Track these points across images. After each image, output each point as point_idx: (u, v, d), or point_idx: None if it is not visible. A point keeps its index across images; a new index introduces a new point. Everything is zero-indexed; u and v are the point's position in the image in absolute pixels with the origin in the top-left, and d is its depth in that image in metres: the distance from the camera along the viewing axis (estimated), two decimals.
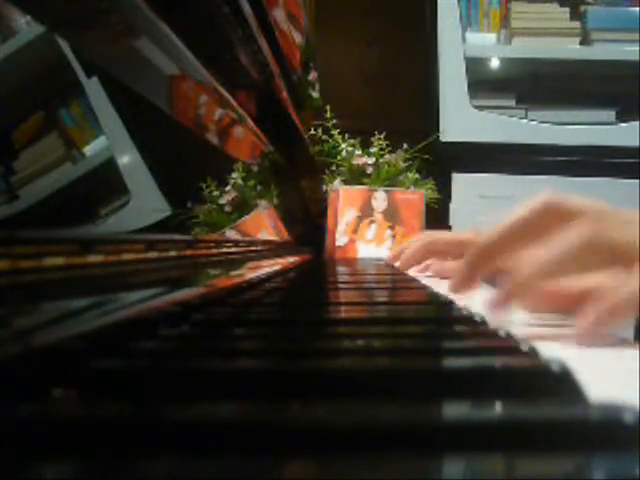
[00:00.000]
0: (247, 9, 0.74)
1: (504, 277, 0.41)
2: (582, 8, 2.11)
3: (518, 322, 0.42)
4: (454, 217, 1.94)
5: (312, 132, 1.66)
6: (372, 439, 0.16)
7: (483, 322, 0.37)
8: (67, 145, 0.45)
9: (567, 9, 2.12)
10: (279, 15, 1.04)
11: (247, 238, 0.93)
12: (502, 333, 0.31)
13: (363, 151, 1.68)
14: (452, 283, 0.48)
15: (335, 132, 1.69)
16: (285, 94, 1.04)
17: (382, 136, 1.68)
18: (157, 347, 0.30)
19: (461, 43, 2.02)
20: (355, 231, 1.52)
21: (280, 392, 0.22)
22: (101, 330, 0.28)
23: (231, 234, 0.84)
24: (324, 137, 1.69)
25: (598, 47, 2.07)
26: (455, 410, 0.19)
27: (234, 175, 0.88)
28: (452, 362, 0.26)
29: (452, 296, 0.48)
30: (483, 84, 2.09)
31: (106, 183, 0.49)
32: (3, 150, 0.38)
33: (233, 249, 0.81)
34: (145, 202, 0.54)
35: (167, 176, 0.59)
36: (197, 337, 0.34)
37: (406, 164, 1.69)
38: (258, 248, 0.97)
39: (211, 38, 0.68)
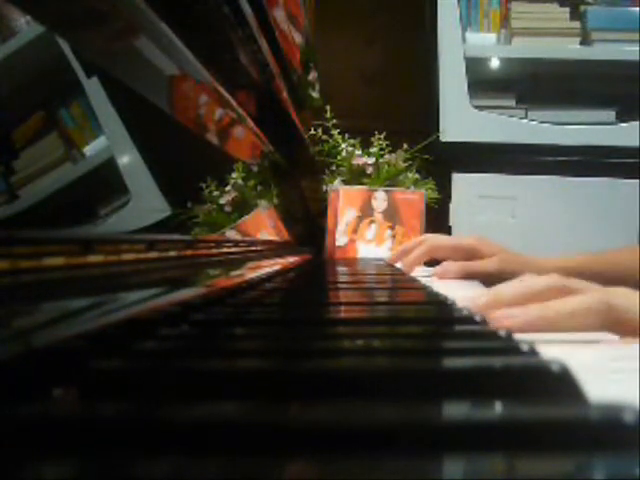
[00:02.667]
0: (247, 9, 0.74)
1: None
2: (582, 8, 2.11)
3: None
4: (454, 217, 1.94)
5: (312, 132, 1.66)
6: (372, 439, 0.16)
7: (483, 322, 0.37)
8: (67, 145, 0.45)
9: (567, 9, 2.12)
10: (279, 15, 1.04)
11: (247, 238, 0.93)
12: (502, 333, 0.31)
13: (363, 151, 1.68)
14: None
15: (335, 132, 1.69)
16: (285, 94, 1.04)
17: (382, 136, 1.68)
18: (157, 347, 0.30)
19: (461, 43, 2.02)
20: (355, 231, 1.52)
21: (280, 392, 0.22)
22: (101, 330, 0.28)
23: (231, 234, 0.84)
24: (324, 137, 1.68)
25: (598, 47, 2.06)
26: (455, 410, 0.19)
27: (234, 175, 0.88)
28: (452, 362, 0.26)
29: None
30: (483, 84, 2.09)
31: (106, 183, 0.49)
32: (3, 150, 0.38)
33: (233, 249, 0.81)
34: (145, 202, 0.54)
35: (167, 176, 0.59)
36: (197, 337, 0.34)
37: (406, 164, 1.69)
38: (258, 248, 0.97)
39: (211, 38, 0.68)
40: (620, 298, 0.45)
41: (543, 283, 0.48)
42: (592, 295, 0.45)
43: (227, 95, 0.73)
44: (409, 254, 1.03)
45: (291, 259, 1.05)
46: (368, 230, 1.52)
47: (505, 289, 0.49)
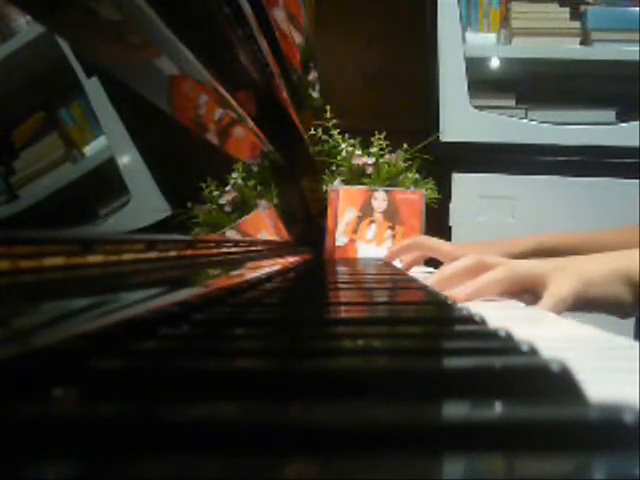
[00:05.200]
0: (247, 9, 0.74)
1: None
2: (582, 8, 2.11)
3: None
4: (454, 217, 1.94)
5: (312, 132, 1.66)
6: (372, 439, 0.16)
7: (483, 322, 0.37)
8: (67, 145, 0.45)
9: (567, 9, 2.12)
10: (279, 15, 1.04)
11: (247, 238, 0.93)
12: (502, 333, 0.31)
13: (363, 151, 1.68)
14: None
15: (335, 132, 1.69)
16: (285, 94, 1.04)
17: (382, 136, 1.68)
18: (157, 347, 0.30)
19: (461, 43, 2.02)
20: (355, 231, 1.52)
21: (280, 392, 0.22)
22: (101, 330, 0.28)
23: (231, 234, 0.84)
24: (324, 137, 1.68)
25: (598, 47, 2.06)
26: (455, 410, 0.19)
27: (234, 175, 0.88)
28: (452, 362, 0.26)
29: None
30: (483, 84, 2.09)
31: (106, 183, 0.49)
32: (3, 150, 0.38)
33: (233, 249, 0.81)
34: (145, 202, 0.54)
35: (167, 176, 0.59)
36: (197, 337, 0.34)
37: (406, 164, 1.69)
38: (258, 248, 0.97)
39: (211, 38, 0.68)
40: (521, 267, 0.62)
41: (467, 263, 0.65)
42: (500, 268, 0.61)
43: (227, 95, 0.73)
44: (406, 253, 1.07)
45: (291, 259, 1.05)
46: (368, 230, 1.52)
47: (446, 270, 0.67)
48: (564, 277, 0.61)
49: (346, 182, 1.63)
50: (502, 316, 0.48)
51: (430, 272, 1.03)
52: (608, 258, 0.65)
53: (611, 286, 0.62)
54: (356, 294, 0.64)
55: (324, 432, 0.16)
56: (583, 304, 0.61)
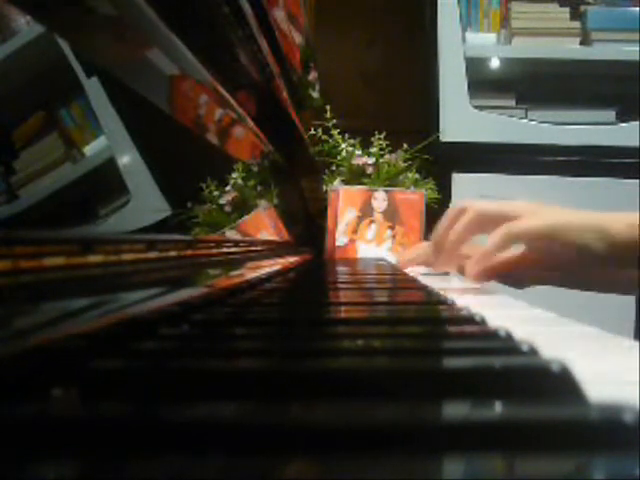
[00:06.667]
0: (247, 9, 0.74)
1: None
2: (582, 8, 2.11)
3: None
4: None
5: (312, 132, 1.66)
6: (372, 439, 0.16)
7: (483, 322, 0.37)
8: (67, 145, 0.45)
9: (567, 9, 2.12)
10: (279, 15, 1.04)
11: (247, 238, 0.93)
12: (502, 333, 0.31)
13: (363, 151, 1.68)
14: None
15: (335, 132, 1.69)
16: (285, 94, 1.04)
17: (382, 136, 1.68)
18: (157, 347, 0.30)
19: (461, 43, 2.02)
20: (355, 231, 1.52)
21: (280, 392, 0.22)
22: (101, 330, 0.28)
23: (231, 234, 0.84)
24: (324, 137, 1.69)
25: (598, 47, 2.06)
26: (455, 410, 0.19)
27: (234, 175, 0.88)
28: (452, 362, 0.26)
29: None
30: (483, 84, 2.09)
31: (106, 183, 0.49)
32: (3, 150, 0.38)
33: (233, 249, 0.81)
34: (145, 202, 0.54)
35: (167, 176, 0.59)
36: (197, 337, 0.34)
37: (406, 164, 1.69)
38: (258, 248, 0.97)
39: (211, 38, 0.68)
40: (490, 206, 0.68)
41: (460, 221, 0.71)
42: (469, 210, 0.67)
43: (227, 95, 0.73)
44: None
45: (291, 259, 1.05)
46: (368, 230, 1.52)
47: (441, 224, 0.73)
48: (536, 218, 0.62)
49: (346, 182, 1.63)
50: (502, 316, 0.48)
51: (430, 272, 1.03)
52: (586, 213, 0.64)
53: (582, 233, 0.61)
54: (356, 294, 0.64)
55: (324, 432, 0.16)
56: (551, 248, 0.62)
